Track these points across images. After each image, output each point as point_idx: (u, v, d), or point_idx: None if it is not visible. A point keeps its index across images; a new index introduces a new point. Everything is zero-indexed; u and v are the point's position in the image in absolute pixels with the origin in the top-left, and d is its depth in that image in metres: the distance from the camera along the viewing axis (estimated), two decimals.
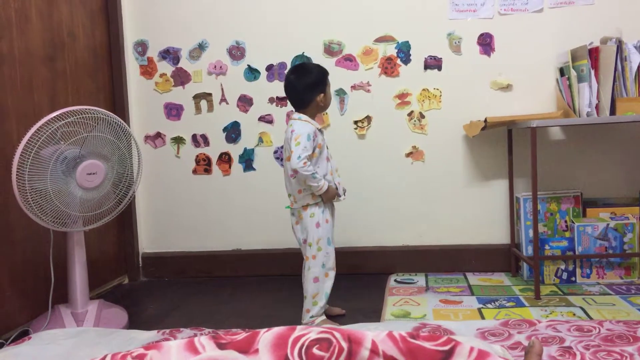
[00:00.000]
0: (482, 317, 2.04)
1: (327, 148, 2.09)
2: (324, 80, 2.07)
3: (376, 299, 2.33)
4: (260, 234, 2.86)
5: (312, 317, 2.01)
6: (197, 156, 2.88)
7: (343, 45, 2.74)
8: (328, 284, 2.05)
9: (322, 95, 2.05)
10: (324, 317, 2.04)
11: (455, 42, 2.67)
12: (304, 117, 2.04)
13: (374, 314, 2.14)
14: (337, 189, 2.07)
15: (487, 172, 2.70)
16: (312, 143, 1.98)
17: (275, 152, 2.81)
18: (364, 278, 2.66)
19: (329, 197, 2.04)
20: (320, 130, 2.06)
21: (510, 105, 2.62)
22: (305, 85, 2.03)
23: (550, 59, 2.59)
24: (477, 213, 2.71)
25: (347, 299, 2.30)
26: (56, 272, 2.06)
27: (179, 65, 2.86)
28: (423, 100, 2.71)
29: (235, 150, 2.85)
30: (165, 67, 2.87)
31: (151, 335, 1.89)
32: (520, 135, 2.61)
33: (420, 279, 2.61)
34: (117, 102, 2.79)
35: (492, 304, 2.19)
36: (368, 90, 2.73)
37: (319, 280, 2.03)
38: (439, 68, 2.69)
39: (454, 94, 2.69)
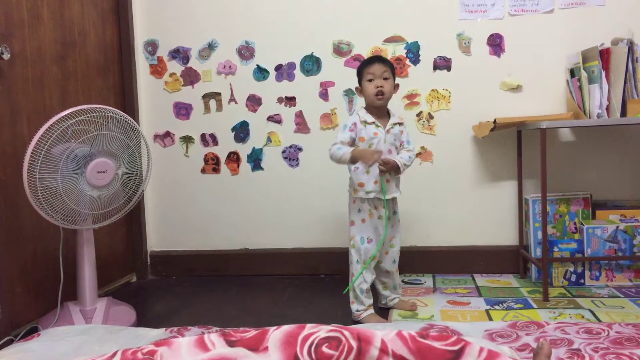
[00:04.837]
0: (490, 319, 2.03)
1: (386, 142, 2.06)
2: (360, 72, 2.10)
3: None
4: (268, 233, 2.86)
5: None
6: (206, 155, 2.89)
7: (352, 46, 2.74)
8: None
9: (360, 86, 2.10)
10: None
11: (465, 43, 2.66)
12: (363, 109, 2.11)
13: (382, 314, 2.14)
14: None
15: (496, 174, 2.69)
16: (347, 133, 2.05)
17: (284, 152, 2.82)
18: None
19: (363, 158, 1.96)
20: (373, 123, 2.05)
21: (519, 106, 2.61)
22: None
23: (560, 59, 2.57)
24: (486, 214, 2.70)
25: None
26: (65, 270, 2.08)
27: (189, 64, 2.87)
28: (432, 101, 2.70)
29: (244, 150, 2.86)
30: (174, 67, 2.88)
31: (159, 333, 1.90)
32: (530, 136, 2.60)
33: (427, 280, 2.60)
34: (127, 101, 2.80)
35: (500, 305, 2.18)
36: None
37: None
38: (448, 69, 2.69)
39: (463, 95, 2.68)
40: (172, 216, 2.94)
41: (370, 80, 2.04)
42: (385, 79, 2.03)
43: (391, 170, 2.02)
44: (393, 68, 2.09)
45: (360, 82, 2.09)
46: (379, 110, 2.07)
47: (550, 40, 2.59)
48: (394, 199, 2.12)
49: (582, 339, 1.70)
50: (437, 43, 2.68)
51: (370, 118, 2.06)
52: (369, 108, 2.09)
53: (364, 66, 2.08)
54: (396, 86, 2.11)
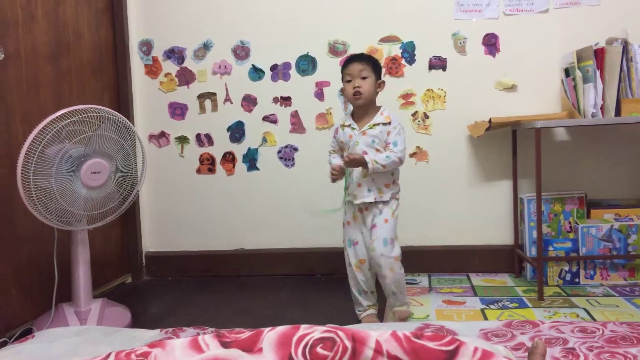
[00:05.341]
0: (485, 318, 2.03)
1: (359, 144, 1.98)
2: (341, 73, 2.06)
3: (379, 299, 2.32)
4: (264, 234, 2.86)
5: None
6: (201, 156, 2.88)
7: (348, 45, 2.74)
8: None
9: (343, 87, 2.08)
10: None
11: (460, 43, 2.67)
12: (351, 110, 2.10)
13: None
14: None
15: (491, 173, 2.69)
16: (334, 141, 2.10)
17: (279, 152, 2.81)
18: None
19: (354, 165, 1.95)
20: (349, 126, 2.02)
21: (514, 105, 2.62)
22: None
23: (555, 59, 2.58)
24: (481, 214, 2.70)
25: (350, 299, 2.29)
26: (60, 271, 2.07)
27: (184, 64, 2.86)
28: (427, 101, 2.71)
29: (239, 150, 2.85)
30: (170, 67, 2.87)
31: (154, 334, 1.90)
32: (525, 135, 2.60)
33: (423, 280, 2.60)
34: (122, 101, 2.80)
35: (495, 304, 2.18)
36: None
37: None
38: (444, 68, 2.69)
39: (458, 95, 2.68)
40: (167, 217, 2.94)
41: (348, 81, 2.00)
42: (363, 78, 1.97)
43: (356, 166, 1.96)
44: (375, 65, 2.01)
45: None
46: (362, 110, 2.03)
47: (545, 40, 2.60)
48: (376, 205, 2.00)
49: (577, 338, 1.71)
50: (433, 42, 2.68)
51: (348, 120, 2.04)
52: (354, 109, 2.07)
53: (342, 67, 2.05)
54: (381, 83, 2.03)
